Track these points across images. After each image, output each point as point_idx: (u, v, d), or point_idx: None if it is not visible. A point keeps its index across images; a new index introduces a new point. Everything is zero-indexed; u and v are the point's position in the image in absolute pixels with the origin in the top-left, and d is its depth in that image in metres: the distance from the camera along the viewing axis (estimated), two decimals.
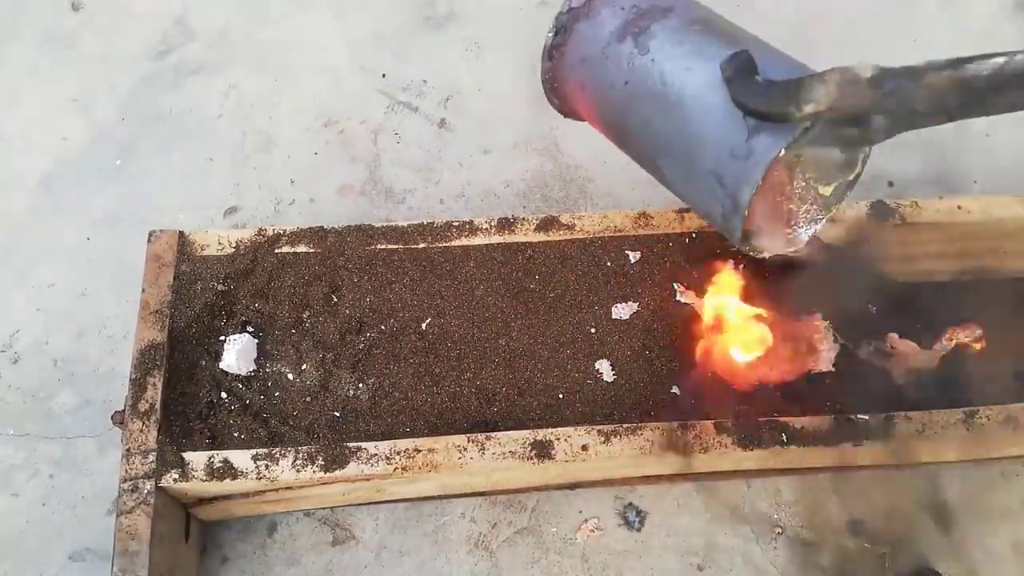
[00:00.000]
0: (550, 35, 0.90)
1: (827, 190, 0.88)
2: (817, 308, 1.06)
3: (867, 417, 0.97)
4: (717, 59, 0.78)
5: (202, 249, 1.07)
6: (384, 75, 1.47)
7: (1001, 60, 0.62)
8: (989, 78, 0.63)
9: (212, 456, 0.94)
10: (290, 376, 1.02)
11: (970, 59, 0.63)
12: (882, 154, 1.35)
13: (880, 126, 0.71)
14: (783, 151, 0.73)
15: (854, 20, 1.49)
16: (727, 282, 1.06)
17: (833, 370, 1.03)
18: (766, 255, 0.90)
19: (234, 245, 1.08)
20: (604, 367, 1.03)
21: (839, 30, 1.47)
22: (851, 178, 0.87)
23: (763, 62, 0.77)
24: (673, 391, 1.01)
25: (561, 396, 1.01)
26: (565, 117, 1.01)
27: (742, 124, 0.76)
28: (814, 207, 0.88)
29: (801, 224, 0.89)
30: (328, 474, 0.93)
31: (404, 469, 0.93)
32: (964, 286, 1.13)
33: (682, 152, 0.82)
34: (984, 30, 1.47)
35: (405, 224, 1.10)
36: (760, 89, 0.73)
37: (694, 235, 1.09)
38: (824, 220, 0.89)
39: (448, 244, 1.09)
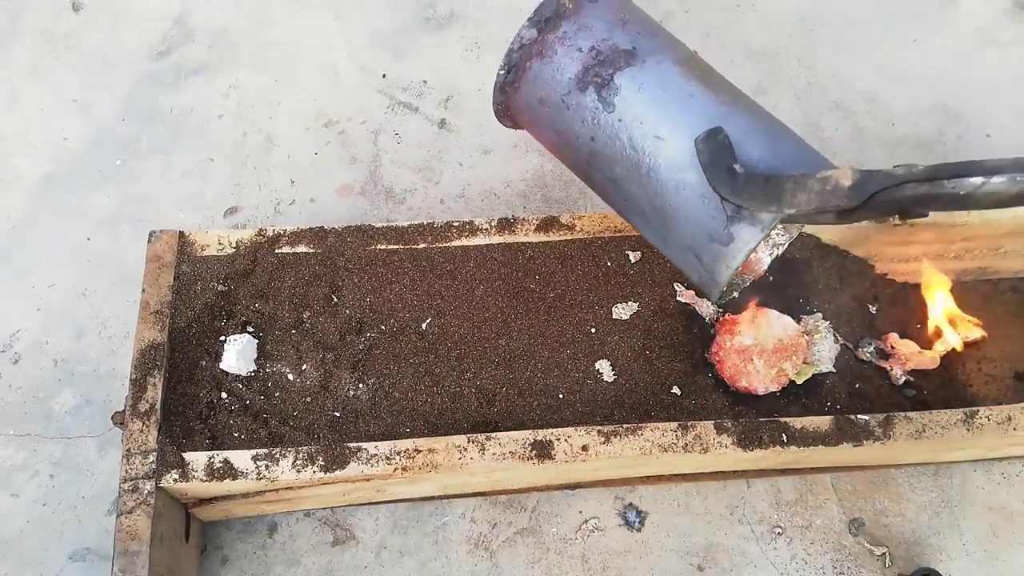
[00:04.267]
0: (501, 72, 0.84)
1: (794, 229, 0.89)
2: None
3: (867, 417, 0.97)
4: (690, 126, 0.74)
5: (202, 249, 1.07)
6: (384, 75, 1.47)
7: (978, 181, 0.63)
8: (965, 197, 0.64)
9: (212, 456, 0.93)
10: (290, 376, 1.02)
11: (948, 174, 0.64)
12: (882, 154, 1.36)
13: (856, 217, 0.73)
14: (762, 246, 0.74)
15: (854, 20, 1.49)
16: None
17: (833, 370, 1.03)
18: (735, 295, 0.89)
19: (234, 245, 1.08)
20: (604, 367, 1.03)
21: (839, 30, 1.47)
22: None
23: (737, 133, 0.74)
24: (674, 391, 1.01)
25: (561, 396, 1.01)
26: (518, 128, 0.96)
27: (720, 208, 0.74)
28: (775, 232, 0.86)
29: (765, 249, 0.88)
30: (328, 474, 0.93)
31: (404, 469, 0.93)
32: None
33: (657, 220, 0.79)
34: (984, 30, 1.47)
35: (405, 224, 1.10)
36: (739, 184, 0.72)
37: None
38: (786, 245, 0.88)
39: (448, 244, 1.09)
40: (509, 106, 0.88)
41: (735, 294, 0.89)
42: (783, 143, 0.77)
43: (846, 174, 0.68)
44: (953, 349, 1.07)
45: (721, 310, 1.06)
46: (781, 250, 0.88)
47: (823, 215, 0.71)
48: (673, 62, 0.80)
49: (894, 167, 0.68)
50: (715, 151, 0.72)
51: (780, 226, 0.85)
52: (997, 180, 0.62)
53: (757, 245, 0.73)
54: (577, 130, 0.81)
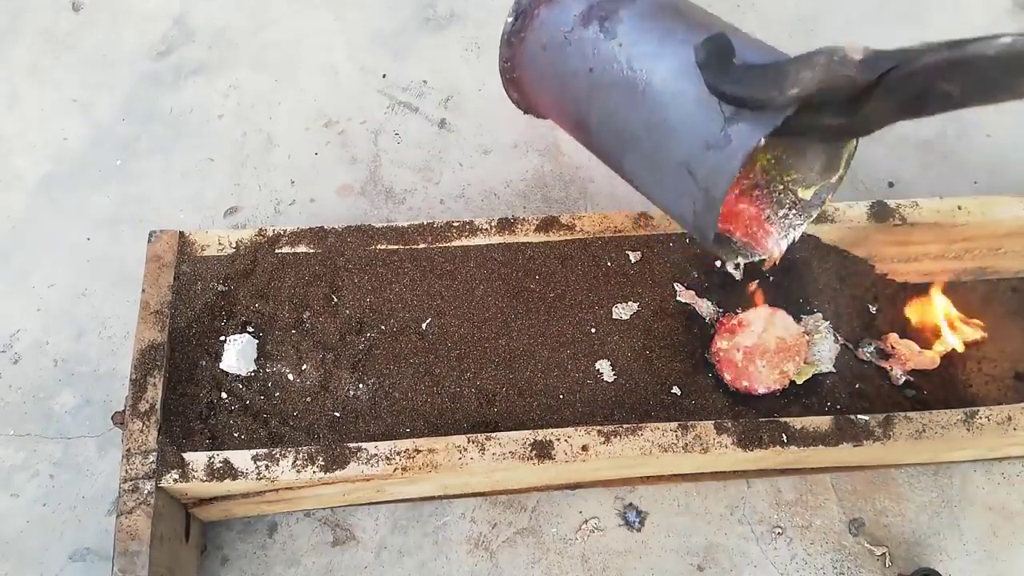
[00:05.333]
0: (509, 19, 0.84)
1: (807, 193, 0.83)
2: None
3: (867, 417, 0.97)
4: (689, 44, 0.71)
5: (202, 249, 1.07)
6: (384, 75, 1.47)
7: (1008, 40, 0.57)
8: (993, 59, 0.58)
9: (212, 456, 0.94)
10: (290, 376, 1.02)
11: (972, 40, 0.58)
12: (882, 154, 1.36)
13: (869, 114, 0.65)
14: (763, 140, 0.67)
15: (854, 20, 1.49)
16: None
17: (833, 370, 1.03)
18: (740, 262, 0.85)
19: (234, 245, 1.08)
20: (604, 367, 1.03)
21: (839, 30, 1.47)
22: (833, 180, 0.81)
23: (739, 47, 0.71)
24: (674, 391, 1.01)
25: (561, 396, 1.01)
26: (526, 113, 0.95)
27: (717, 112, 0.69)
28: (792, 212, 0.83)
29: (778, 230, 0.83)
30: (328, 474, 0.93)
31: (404, 469, 0.93)
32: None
33: (650, 144, 0.76)
34: (985, 29, 1.46)
35: (405, 224, 1.10)
36: (738, 74, 0.67)
37: None
38: (803, 226, 0.83)
39: (448, 244, 1.09)
40: (515, 61, 0.87)
41: (738, 262, 0.84)
42: (781, 57, 0.73)
43: (856, 48, 0.62)
44: (953, 349, 1.07)
45: (721, 310, 1.06)
46: (798, 233, 0.83)
47: (828, 117, 0.65)
48: None
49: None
50: (714, 50, 0.69)
51: (797, 208, 0.82)
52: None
53: (757, 144, 0.67)
54: (577, 65, 0.80)
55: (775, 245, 0.84)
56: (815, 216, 0.85)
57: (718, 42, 0.69)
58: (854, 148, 0.79)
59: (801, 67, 0.63)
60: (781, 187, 0.82)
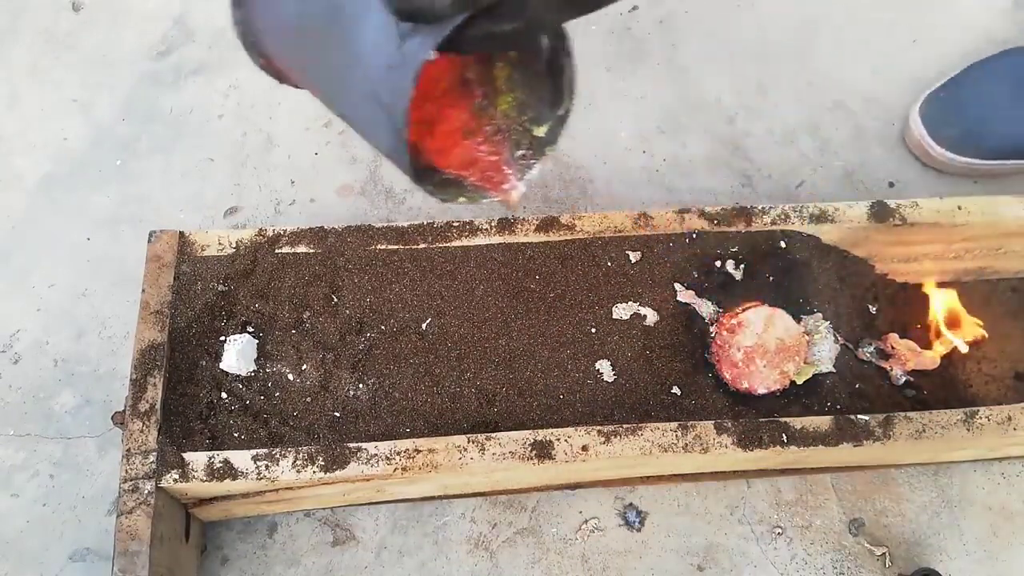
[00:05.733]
0: None
1: (541, 131, 0.80)
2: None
3: (867, 417, 0.97)
4: None
5: (202, 249, 1.07)
6: None
7: None
8: None
9: (212, 456, 0.94)
10: (290, 376, 1.02)
11: None
12: (882, 154, 1.36)
13: (536, 8, 0.63)
14: (433, 53, 0.64)
15: (854, 21, 1.49)
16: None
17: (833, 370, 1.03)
18: (463, 201, 0.82)
19: (234, 245, 1.08)
20: (604, 367, 1.03)
21: (839, 30, 1.47)
22: (561, 113, 0.78)
23: None
24: (674, 391, 1.01)
25: (561, 396, 1.01)
26: (280, 83, 0.92)
27: (395, 31, 0.67)
28: (529, 152, 0.79)
29: (516, 172, 0.80)
30: (328, 474, 0.93)
31: (404, 469, 0.93)
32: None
33: (349, 81, 0.73)
34: (985, 29, 1.47)
35: (405, 224, 1.10)
36: None
37: (695, 235, 1.09)
38: (538, 165, 0.79)
39: (448, 244, 1.09)
40: (247, 26, 0.84)
41: (460, 199, 0.81)
42: None
43: None
44: (954, 348, 1.07)
45: (721, 310, 1.06)
46: (535, 172, 0.79)
47: (504, 16, 0.63)
48: None
49: None
50: None
51: (533, 147, 0.80)
52: None
53: (427, 56, 0.64)
54: (288, 11, 0.77)
55: (513, 188, 0.82)
56: (548, 153, 0.83)
57: None
58: (572, 76, 0.78)
59: None
60: (520, 128, 0.81)
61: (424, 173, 0.77)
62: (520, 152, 0.81)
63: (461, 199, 0.79)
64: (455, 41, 0.65)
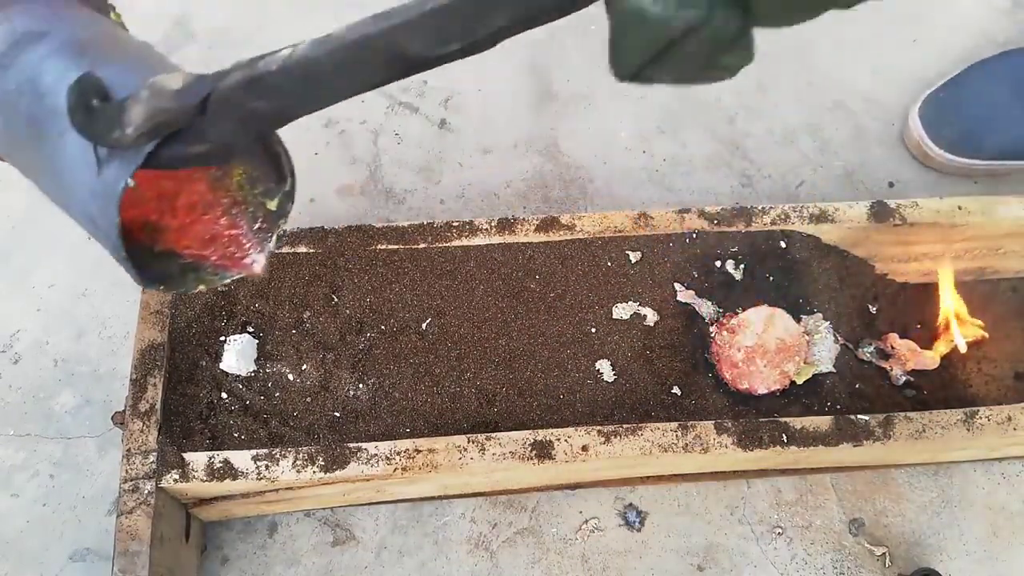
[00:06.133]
0: None
1: (273, 204, 0.79)
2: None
3: (867, 417, 0.97)
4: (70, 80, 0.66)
5: None
6: None
7: (287, 52, 0.57)
8: (279, 72, 0.58)
9: (212, 456, 0.94)
10: (290, 376, 1.02)
11: (263, 56, 0.58)
12: (882, 154, 1.36)
13: (217, 136, 0.63)
14: (131, 180, 0.64)
15: (854, 20, 1.49)
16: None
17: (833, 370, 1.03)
18: (203, 288, 0.82)
19: None
20: (604, 367, 1.03)
21: (839, 30, 1.47)
22: (288, 189, 0.78)
23: (116, 77, 0.65)
24: (674, 391, 1.01)
25: (561, 396, 1.01)
26: None
27: (92, 156, 0.65)
28: (265, 224, 0.79)
29: (255, 245, 0.80)
30: (328, 474, 0.93)
31: (404, 469, 0.93)
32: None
33: (64, 198, 0.72)
34: (985, 30, 1.47)
35: (405, 224, 1.10)
36: (95, 116, 0.63)
37: (694, 235, 1.09)
38: (274, 236, 0.79)
39: (448, 244, 1.09)
40: None
41: (200, 285, 0.81)
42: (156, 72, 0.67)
43: (175, 78, 0.60)
44: (955, 348, 1.07)
45: (721, 310, 1.06)
46: (272, 244, 0.78)
47: (190, 140, 0.63)
48: (90, 34, 0.74)
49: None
50: (80, 92, 0.64)
51: (268, 219, 0.80)
52: (303, 46, 0.58)
53: (125, 184, 0.63)
54: None
55: (254, 262, 0.82)
56: (283, 226, 0.84)
57: (86, 83, 0.64)
58: (288, 159, 0.76)
59: (132, 103, 0.61)
60: (254, 201, 0.81)
61: (163, 258, 0.76)
62: (256, 225, 0.81)
63: (200, 286, 0.78)
64: (153, 162, 0.63)
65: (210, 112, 0.61)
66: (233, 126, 0.64)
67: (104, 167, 0.65)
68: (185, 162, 0.68)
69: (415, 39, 0.54)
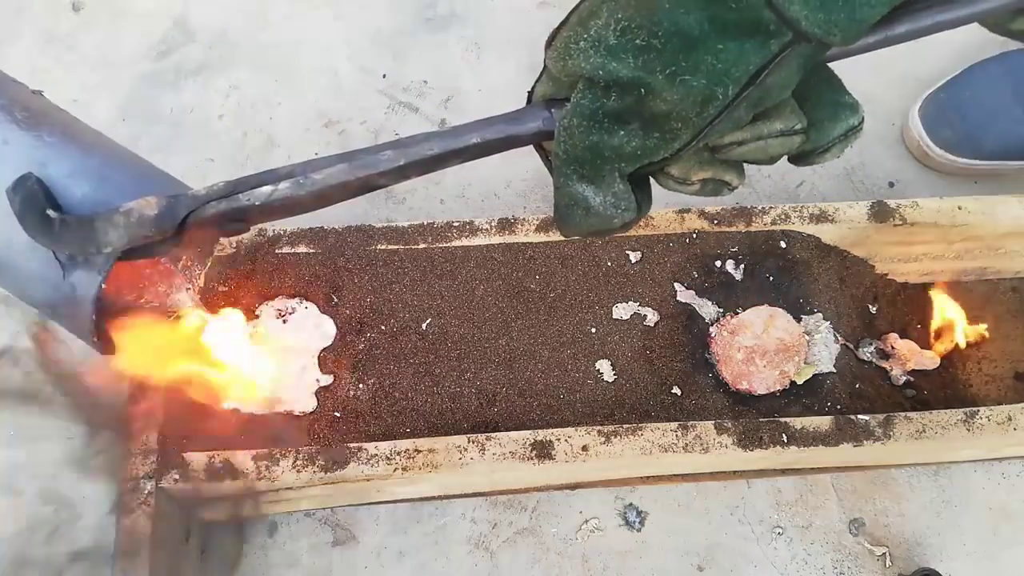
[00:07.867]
0: None
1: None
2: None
3: (867, 417, 0.97)
4: (3, 177, 0.65)
5: None
6: (384, 75, 1.47)
7: (268, 190, 0.61)
8: (265, 207, 0.62)
9: (212, 456, 0.93)
10: None
11: (245, 187, 0.62)
12: (882, 154, 1.36)
13: (188, 242, 0.67)
14: (103, 285, 0.66)
15: None
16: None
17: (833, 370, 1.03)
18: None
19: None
20: (605, 367, 1.03)
21: None
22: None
23: (61, 174, 0.66)
24: (674, 391, 1.01)
25: (561, 396, 1.01)
26: None
27: (53, 258, 0.66)
28: (194, 263, 0.82)
29: (182, 281, 0.82)
30: (328, 474, 0.93)
31: (404, 469, 0.93)
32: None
33: (18, 293, 0.72)
34: (985, 30, 1.47)
35: (405, 224, 1.10)
36: (55, 231, 0.63)
37: (694, 235, 1.09)
38: (203, 272, 0.82)
39: (448, 244, 1.09)
40: None
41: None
42: (116, 178, 0.69)
43: (151, 204, 0.63)
44: (956, 347, 1.07)
45: (721, 310, 1.06)
46: (200, 280, 0.82)
47: (157, 247, 0.66)
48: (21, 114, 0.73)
49: (203, 189, 0.63)
50: (25, 199, 0.64)
51: (195, 258, 0.83)
52: (284, 185, 0.60)
53: (99, 289, 0.66)
54: None
55: (180, 294, 0.84)
56: (209, 264, 0.85)
57: (27, 189, 0.63)
58: (211, 251, 0.81)
59: (108, 227, 0.63)
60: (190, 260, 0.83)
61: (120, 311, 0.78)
62: (180, 264, 0.83)
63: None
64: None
65: (187, 230, 0.63)
66: (208, 237, 0.67)
67: (70, 271, 0.65)
68: (151, 258, 0.69)
69: (385, 180, 0.62)
